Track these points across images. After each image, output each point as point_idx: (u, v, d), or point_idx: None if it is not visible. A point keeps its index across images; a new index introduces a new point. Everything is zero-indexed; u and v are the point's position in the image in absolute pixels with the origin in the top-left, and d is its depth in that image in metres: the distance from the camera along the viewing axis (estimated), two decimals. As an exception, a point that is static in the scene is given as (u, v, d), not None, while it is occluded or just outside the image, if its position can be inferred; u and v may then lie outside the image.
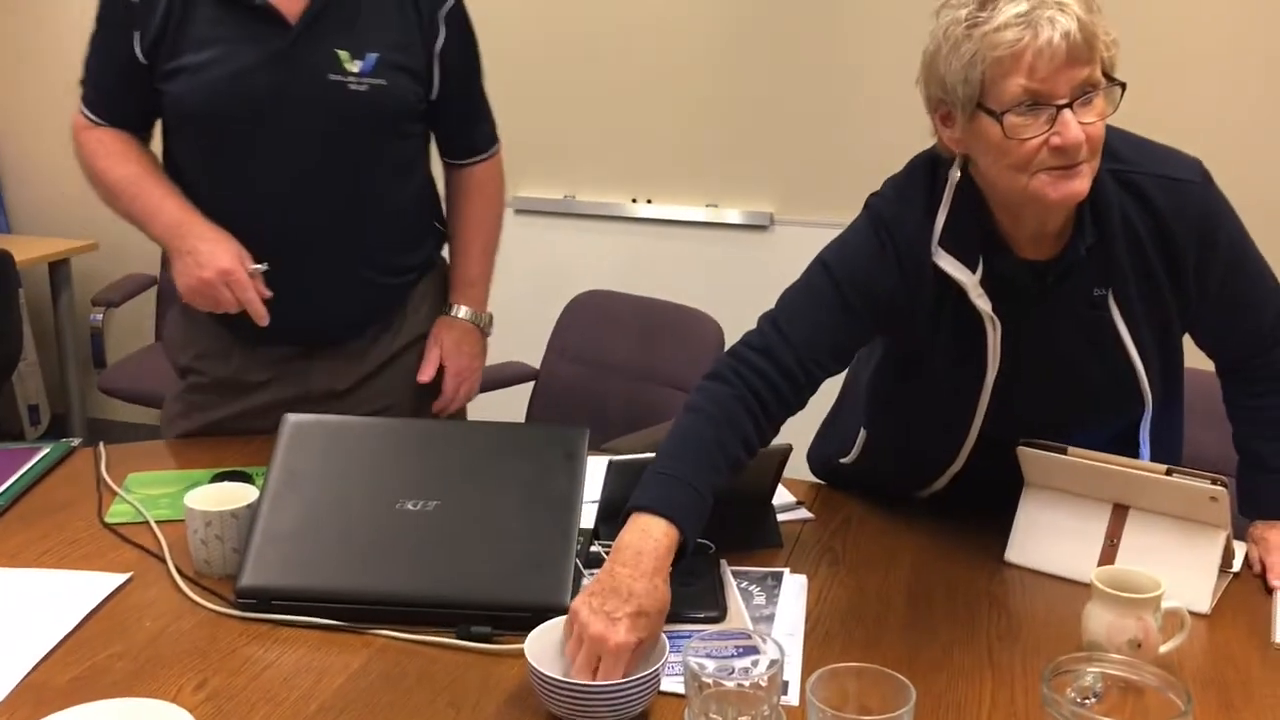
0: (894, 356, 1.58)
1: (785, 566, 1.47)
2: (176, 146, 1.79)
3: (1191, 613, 1.29)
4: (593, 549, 1.47)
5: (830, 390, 1.73)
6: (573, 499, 1.40)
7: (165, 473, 1.72)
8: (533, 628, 1.19)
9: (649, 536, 1.24)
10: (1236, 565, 1.47)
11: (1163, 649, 1.23)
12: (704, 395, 1.40)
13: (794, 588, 1.42)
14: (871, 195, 1.48)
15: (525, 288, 3.14)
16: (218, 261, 1.65)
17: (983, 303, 1.40)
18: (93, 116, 1.79)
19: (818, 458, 1.82)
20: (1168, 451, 1.56)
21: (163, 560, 1.45)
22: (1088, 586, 1.23)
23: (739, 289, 3.37)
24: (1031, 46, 1.22)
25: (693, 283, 3.23)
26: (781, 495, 1.66)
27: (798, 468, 1.65)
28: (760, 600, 1.38)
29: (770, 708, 1.05)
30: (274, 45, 1.67)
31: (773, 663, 1.08)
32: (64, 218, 4.00)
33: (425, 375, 1.87)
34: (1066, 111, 1.24)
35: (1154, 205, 1.39)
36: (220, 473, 1.66)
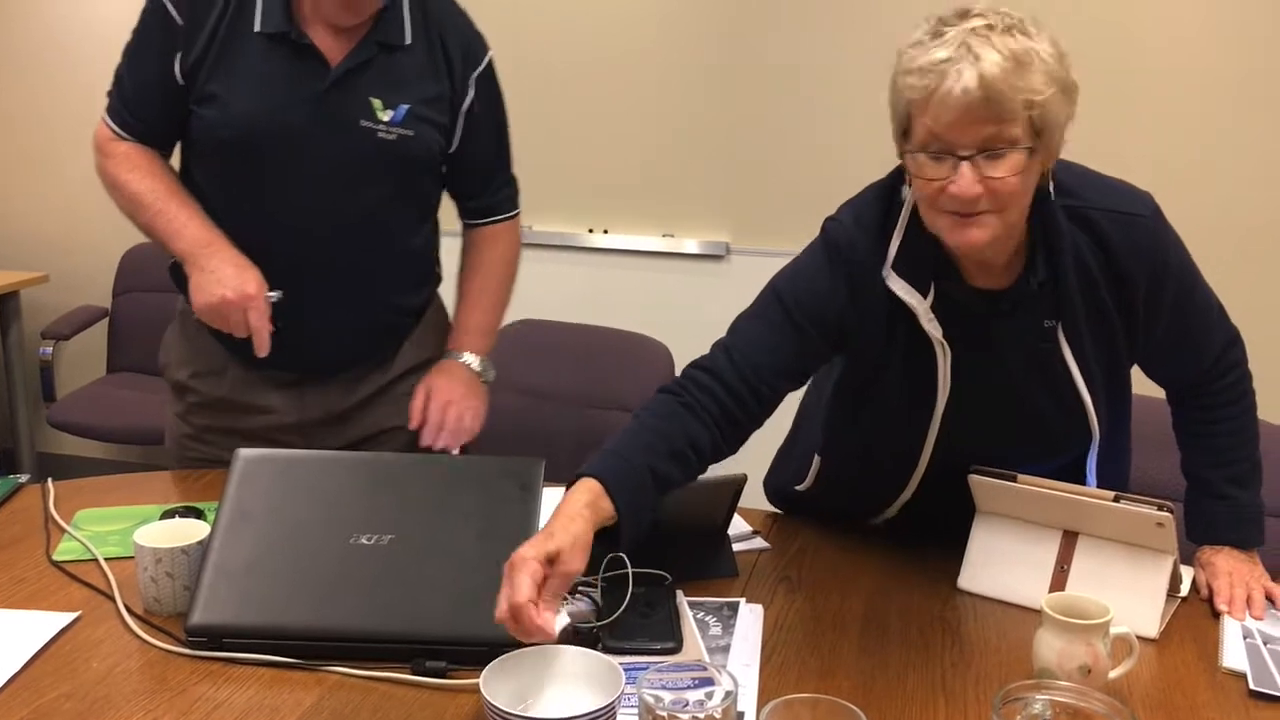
0: (849, 382, 1.59)
1: (741, 596, 1.48)
2: (198, 167, 1.80)
3: (1140, 637, 1.30)
4: (548, 581, 1.46)
5: (787, 416, 1.75)
6: (529, 530, 1.39)
7: (115, 509, 1.70)
8: (488, 661, 1.18)
9: (570, 495, 1.30)
10: (1184, 590, 1.50)
11: (1112, 674, 1.24)
12: (649, 402, 1.45)
13: (750, 617, 1.42)
14: (828, 219, 1.50)
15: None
16: (244, 286, 1.66)
17: (933, 328, 1.42)
18: (119, 130, 1.79)
19: (773, 485, 1.83)
20: (1114, 481, 1.59)
21: (112, 599, 1.43)
22: (1039, 613, 1.25)
23: (695, 318, 3.38)
24: (935, 96, 1.26)
25: (649, 312, 3.25)
26: (737, 525, 1.67)
27: (753, 497, 1.66)
28: (716, 631, 1.39)
29: (725, 739, 1.05)
30: (313, 85, 1.71)
31: (727, 694, 1.08)
32: (13, 250, 3.95)
33: (414, 421, 1.83)
34: (964, 164, 1.26)
35: (1106, 240, 1.41)
36: (171, 509, 1.64)
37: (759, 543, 1.65)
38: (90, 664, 1.29)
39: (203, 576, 1.35)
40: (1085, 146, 1.47)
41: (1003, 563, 1.49)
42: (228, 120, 1.71)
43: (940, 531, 1.60)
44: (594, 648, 1.28)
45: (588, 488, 1.31)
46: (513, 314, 2.79)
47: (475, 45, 1.85)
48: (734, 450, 1.47)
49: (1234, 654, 1.35)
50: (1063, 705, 1.09)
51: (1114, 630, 1.24)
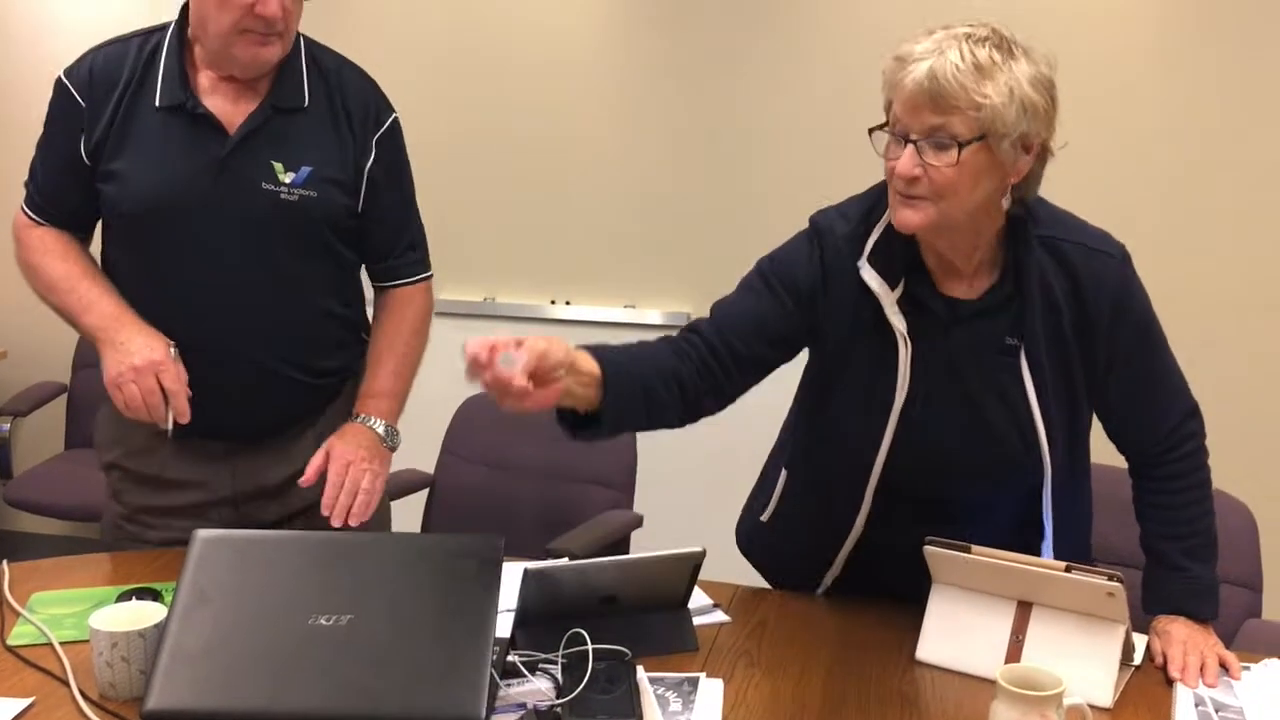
0: (813, 377, 1.66)
1: (701, 671, 1.48)
2: (111, 244, 1.84)
3: (1094, 706, 1.32)
4: (509, 658, 1.46)
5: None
6: (487, 609, 1.39)
7: (71, 591, 1.69)
8: (447, 743, 1.18)
9: None
10: (1138, 658, 1.51)
11: (1067, 744, 1.25)
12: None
13: (710, 693, 1.42)
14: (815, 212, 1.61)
15: (444, 392, 3.14)
16: (150, 353, 1.70)
17: (897, 320, 1.51)
18: (35, 216, 1.85)
19: (743, 524, 1.87)
20: (1074, 535, 1.62)
21: (66, 684, 1.42)
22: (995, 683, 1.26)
23: (657, 388, 3.42)
24: (898, 80, 1.41)
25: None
26: (698, 598, 1.67)
27: (714, 569, 1.67)
28: (676, 707, 1.39)
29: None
30: (212, 153, 1.74)
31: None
32: (-29, 325, 3.92)
33: (307, 479, 1.76)
34: (909, 147, 1.40)
35: (1073, 269, 1.50)
36: (128, 590, 1.62)
37: (719, 616, 1.66)
38: (43, 752, 1.27)
39: (159, 660, 1.33)
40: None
41: (959, 634, 1.51)
42: (131, 194, 1.75)
43: (889, 591, 1.64)
44: (554, 726, 1.27)
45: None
46: (474, 386, 2.81)
47: (378, 106, 1.86)
48: (717, 405, 1.58)
49: (1187, 722, 1.37)
50: (1017, 778, 1.10)
51: (1067, 701, 1.25)
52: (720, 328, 1.56)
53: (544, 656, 1.46)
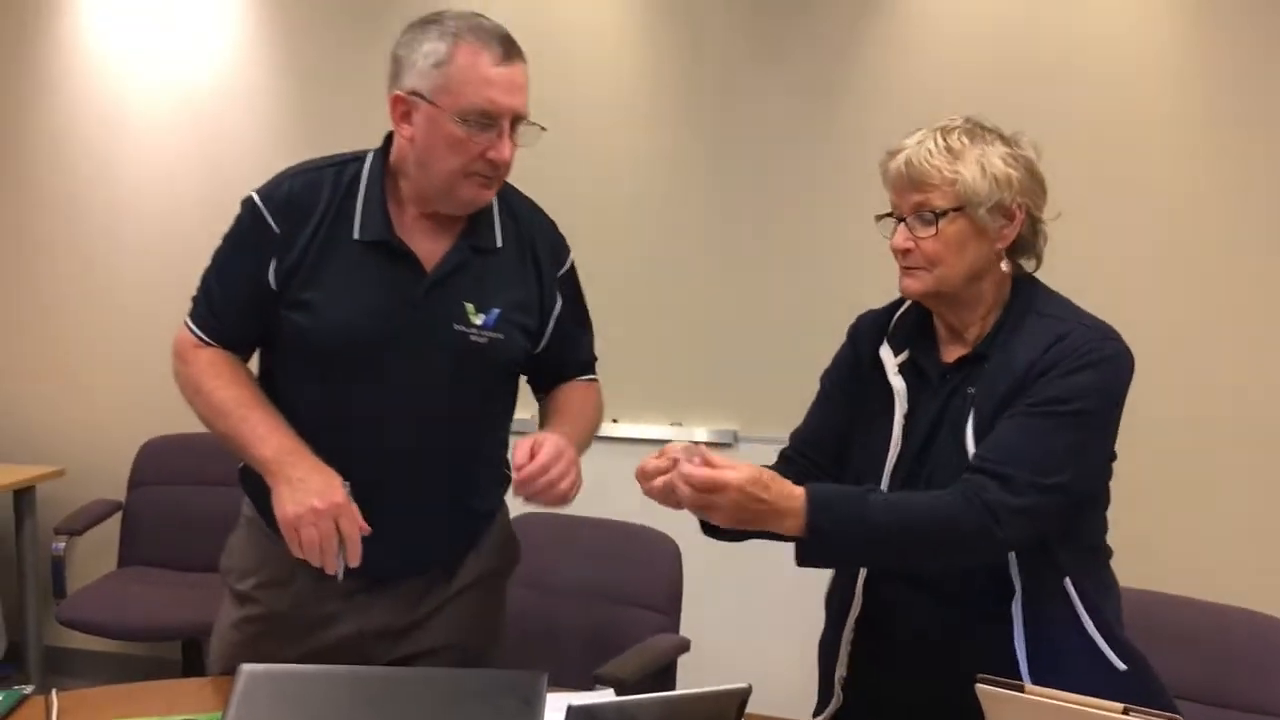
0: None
1: (749, 812, 1.45)
2: (282, 369, 1.82)
3: None
4: (552, 798, 1.43)
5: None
6: (531, 747, 1.38)
7: (118, 722, 1.69)
8: None
9: None
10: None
11: None
12: None
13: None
14: None
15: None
16: (331, 495, 1.63)
17: (896, 381, 1.68)
18: (203, 336, 1.81)
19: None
20: (1056, 601, 1.59)
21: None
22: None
23: (705, 507, 3.40)
24: (889, 170, 1.64)
25: (655, 503, 3.25)
26: (744, 733, 1.64)
27: (760, 704, 1.64)
28: None
29: None
30: (408, 290, 1.74)
31: None
32: (31, 444, 4.00)
33: (519, 461, 1.66)
34: (900, 225, 1.63)
35: (1046, 337, 1.59)
36: (175, 721, 1.62)
37: (766, 752, 1.62)
38: None
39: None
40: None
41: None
42: (322, 325, 1.73)
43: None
44: None
45: None
46: (518, 505, 2.82)
47: (560, 247, 1.91)
48: None
49: None
50: None
51: None
52: (799, 445, 1.81)
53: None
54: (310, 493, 1.63)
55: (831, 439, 1.78)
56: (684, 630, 2.48)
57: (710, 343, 3.48)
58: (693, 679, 2.58)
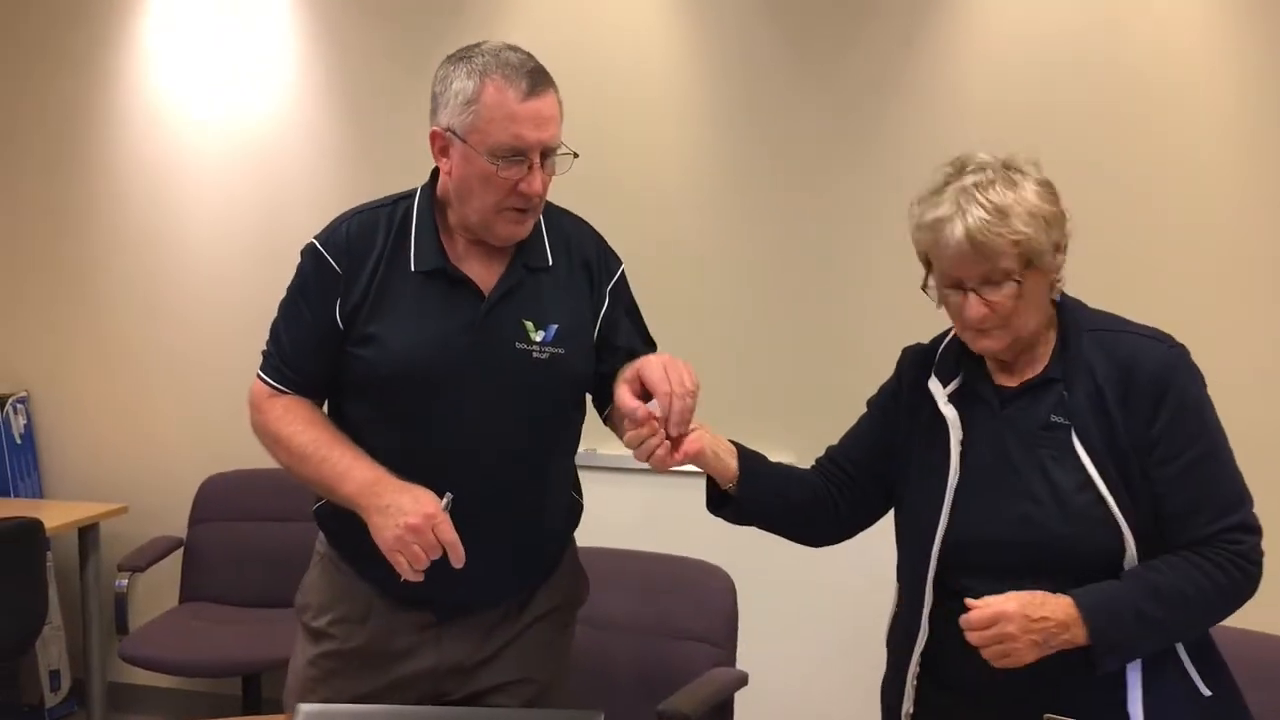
0: (895, 488, 1.78)
1: None
2: (351, 406, 1.84)
3: None
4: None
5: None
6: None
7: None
8: None
9: None
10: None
11: None
12: None
13: None
14: None
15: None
16: (422, 508, 1.64)
17: (948, 410, 1.67)
18: (277, 385, 1.84)
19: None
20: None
21: None
22: None
23: (759, 541, 3.36)
24: (937, 247, 1.60)
25: (712, 535, 3.22)
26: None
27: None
28: None
29: None
30: (468, 315, 1.78)
31: None
32: (95, 481, 4.08)
33: (624, 402, 1.64)
34: (970, 294, 1.59)
35: (1119, 353, 1.61)
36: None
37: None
38: None
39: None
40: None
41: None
42: (390, 357, 1.76)
43: None
44: None
45: None
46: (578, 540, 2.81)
47: (609, 259, 1.94)
48: (837, 529, 1.84)
49: None
50: None
51: None
52: (833, 453, 1.85)
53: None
54: (402, 513, 1.64)
55: (865, 455, 1.81)
56: (740, 664, 2.45)
57: (765, 371, 3.46)
58: (751, 715, 2.56)
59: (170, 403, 4.00)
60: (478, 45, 1.77)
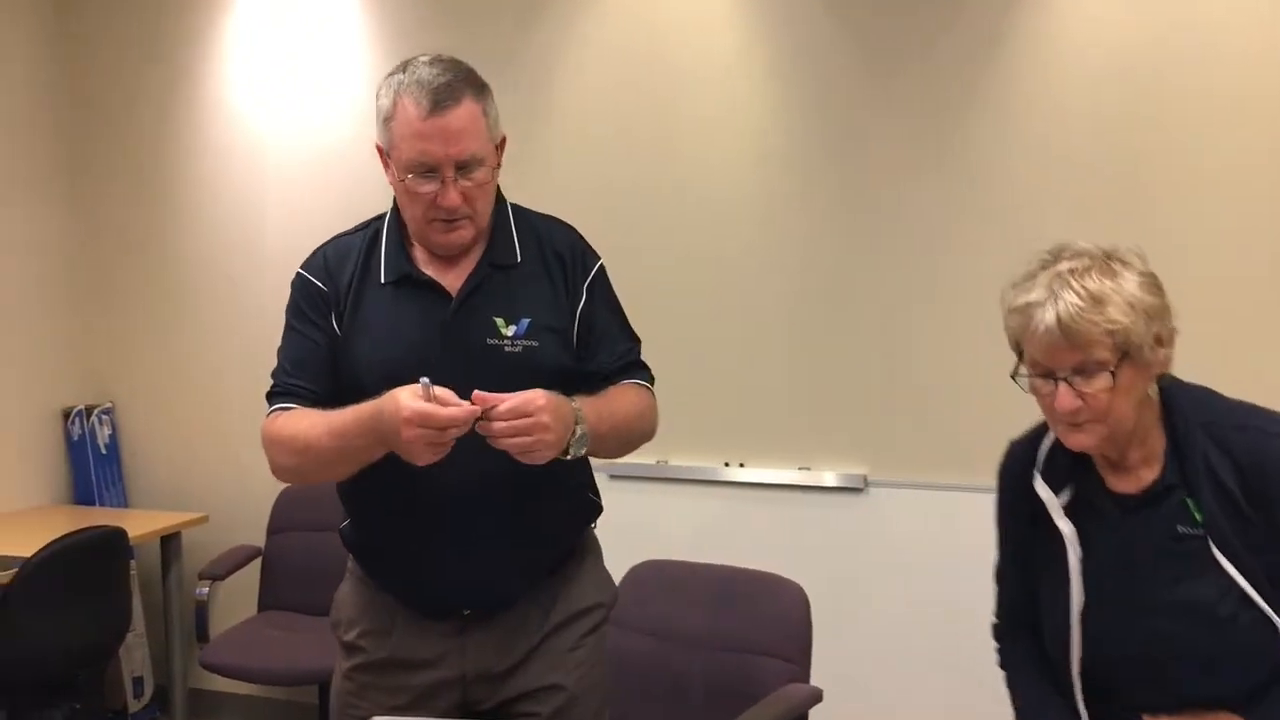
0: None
1: None
2: None
3: None
4: None
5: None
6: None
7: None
8: None
9: None
10: None
11: None
12: (1021, 664, 1.72)
13: None
14: None
15: (611, 558, 3.14)
16: (400, 413, 1.62)
17: (1064, 525, 1.60)
18: (282, 407, 1.85)
19: None
20: None
21: None
22: None
23: (832, 554, 3.32)
24: (1028, 332, 1.53)
25: (784, 548, 3.20)
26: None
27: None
28: None
29: None
30: (438, 316, 1.82)
31: None
32: (177, 492, 4.16)
33: (481, 398, 1.64)
34: (1062, 384, 1.52)
35: (1234, 452, 1.53)
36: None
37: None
38: None
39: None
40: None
41: None
42: (368, 367, 1.80)
43: None
44: None
45: None
46: (645, 551, 2.79)
47: (585, 255, 1.94)
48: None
49: None
50: None
51: None
52: (1016, 622, 1.74)
53: None
54: (395, 428, 1.62)
55: (1026, 578, 1.71)
56: (814, 680, 2.41)
57: (839, 384, 3.42)
58: (825, 732, 2.52)
59: (249, 417, 4.01)
60: (411, 60, 1.80)
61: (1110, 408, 1.51)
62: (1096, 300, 1.48)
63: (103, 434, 4.22)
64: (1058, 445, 1.63)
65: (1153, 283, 1.54)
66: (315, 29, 3.93)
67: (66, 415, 4.18)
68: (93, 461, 4.18)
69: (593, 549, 2.01)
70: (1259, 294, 3.00)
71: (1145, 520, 1.56)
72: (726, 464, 3.52)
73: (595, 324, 1.91)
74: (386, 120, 1.78)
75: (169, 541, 3.92)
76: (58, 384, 4.20)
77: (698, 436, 3.54)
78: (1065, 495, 1.61)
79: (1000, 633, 1.78)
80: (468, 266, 1.85)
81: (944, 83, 3.26)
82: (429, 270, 1.85)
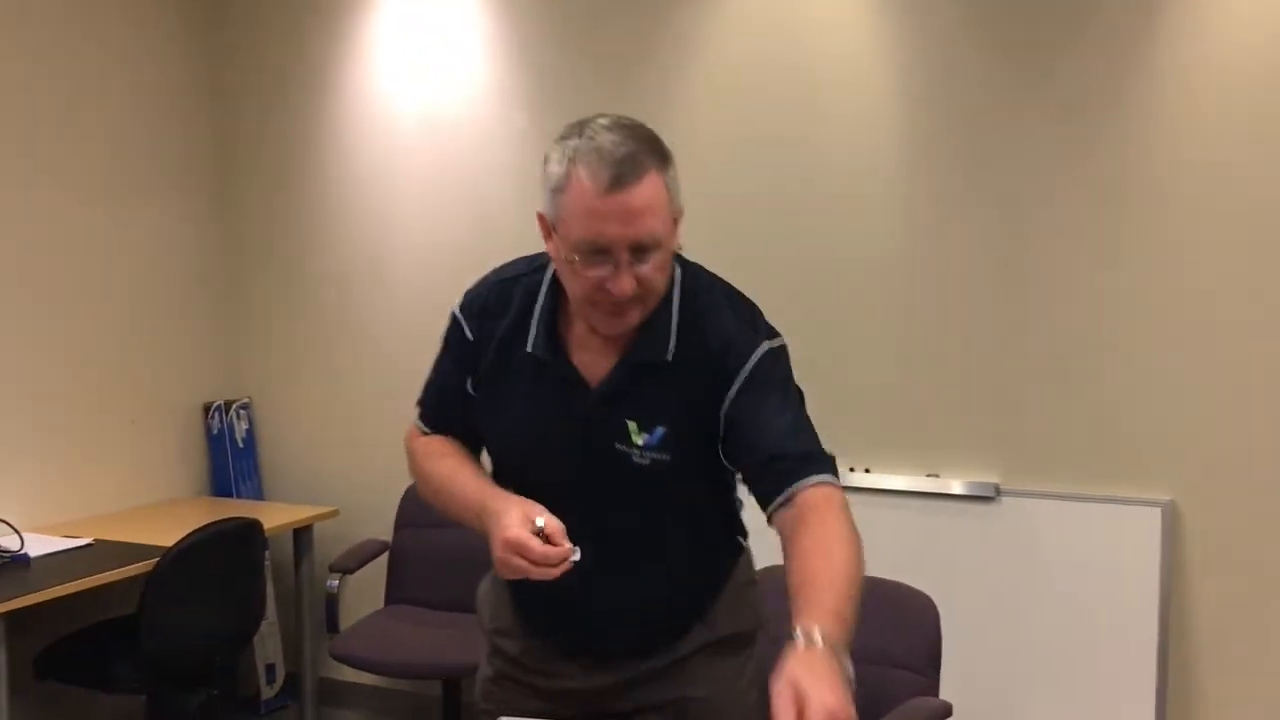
0: None
1: None
2: (496, 474, 1.84)
3: None
4: None
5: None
6: None
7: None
8: None
9: None
10: None
11: None
12: None
13: None
14: None
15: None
16: (502, 531, 1.58)
17: None
18: (425, 429, 1.89)
19: None
20: None
21: None
22: None
23: (962, 566, 3.23)
24: None
25: (911, 557, 3.11)
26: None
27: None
28: None
29: None
30: (575, 407, 1.70)
31: None
32: (310, 485, 4.27)
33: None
34: None
35: None
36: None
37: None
38: None
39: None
40: None
41: None
42: (498, 433, 1.79)
43: None
44: None
45: None
46: (767, 558, 2.75)
47: (746, 343, 1.69)
48: None
49: None
50: None
51: None
52: None
53: None
54: (493, 533, 1.61)
55: None
56: (944, 694, 2.35)
57: (968, 388, 3.33)
58: (954, 747, 2.45)
59: (378, 415, 4.14)
60: (587, 121, 1.61)
61: None
62: None
63: (240, 428, 4.36)
64: None
65: None
66: (447, 33, 3.99)
67: (207, 410, 4.32)
68: (230, 454, 4.32)
69: (736, 577, 1.88)
70: None
71: None
72: (852, 469, 3.46)
73: (743, 416, 1.66)
74: (556, 191, 1.59)
75: (301, 534, 4.02)
76: (199, 379, 4.34)
77: (821, 439, 3.47)
78: None
79: None
80: (614, 357, 1.69)
81: (1087, 81, 3.14)
82: (576, 356, 1.71)
